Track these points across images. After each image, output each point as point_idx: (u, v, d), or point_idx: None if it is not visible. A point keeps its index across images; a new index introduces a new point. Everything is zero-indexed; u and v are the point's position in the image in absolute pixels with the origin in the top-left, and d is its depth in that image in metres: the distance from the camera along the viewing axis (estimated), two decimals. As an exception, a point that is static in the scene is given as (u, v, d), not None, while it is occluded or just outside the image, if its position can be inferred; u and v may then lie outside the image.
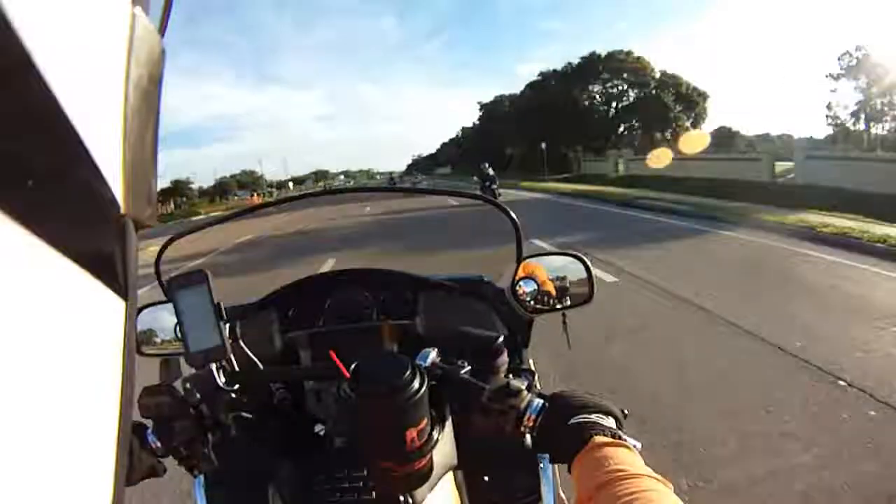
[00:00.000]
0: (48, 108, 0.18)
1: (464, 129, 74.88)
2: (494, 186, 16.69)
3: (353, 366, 0.67)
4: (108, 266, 0.23)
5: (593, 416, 0.64)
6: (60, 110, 0.18)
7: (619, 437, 0.61)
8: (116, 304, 0.24)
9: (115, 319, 0.24)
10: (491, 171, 17.55)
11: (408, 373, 0.66)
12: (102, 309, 0.23)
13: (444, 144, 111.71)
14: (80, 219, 0.21)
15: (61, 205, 0.20)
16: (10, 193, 0.17)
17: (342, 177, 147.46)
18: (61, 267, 0.20)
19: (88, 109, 0.20)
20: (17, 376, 0.18)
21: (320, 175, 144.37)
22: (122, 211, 0.23)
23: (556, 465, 0.98)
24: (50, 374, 0.20)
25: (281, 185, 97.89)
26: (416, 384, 0.66)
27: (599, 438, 0.60)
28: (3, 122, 0.17)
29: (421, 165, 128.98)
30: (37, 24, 0.17)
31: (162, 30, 0.28)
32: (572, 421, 0.64)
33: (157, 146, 0.26)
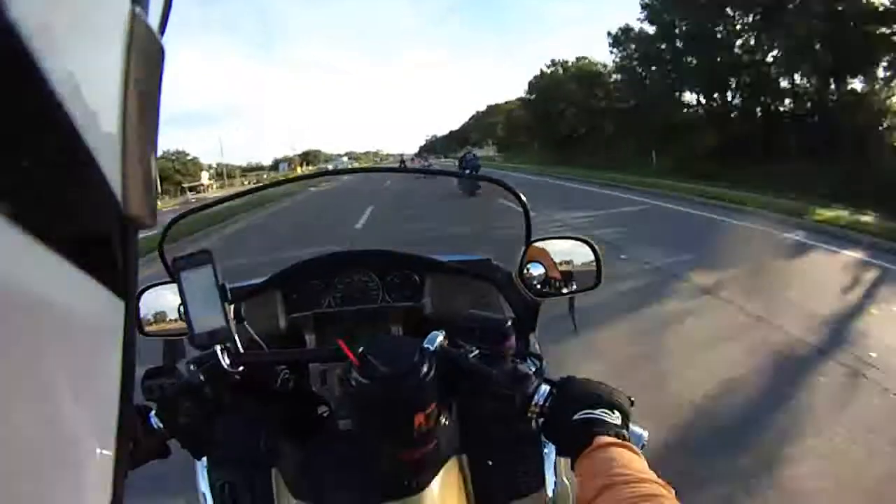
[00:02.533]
0: (48, 108, 0.18)
1: (539, 77, 41.68)
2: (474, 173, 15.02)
3: (360, 349, 0.66)
4: (108, 266, 0.23)
5: (598, 412, 0.63)
6: (60, 110, 0.18)
7: (624, 436, 0.62)
8: (116, 305, 0.24)
9: (115, 320, 0.24)
10: (471, 157, 16.20)
11: (416, 357, 0.65)
12: (102, 310, 0.23)
13: (481, 114, 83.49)
14: (80, 219, 0.21)
15: (61, 205, 0.20)
16: (10, 194, 0.17)
17: (345, 158, 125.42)
18: (61, 267, 0.20)
19: (88, 109, 0.20)
20: (17, 377, 0.18)
21: (311, 156, 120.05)
22: (123, 211, 0.23)
23: None
24: (50, 374, 0.20)
25: (220, 174, 75.19)
26: (424, 369, 0.65)
27: (604, 438, 0.60)
28: (3, 122, 0.17)
29: (438, 146, 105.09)
30: (37, 24, 0.17)
31: (162, 29, 0.28)
32: (577, 416, 0.64)
33: (157, 146, 0.26)
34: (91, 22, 0.21)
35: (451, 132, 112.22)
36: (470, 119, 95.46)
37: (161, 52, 0.25)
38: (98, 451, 0.23)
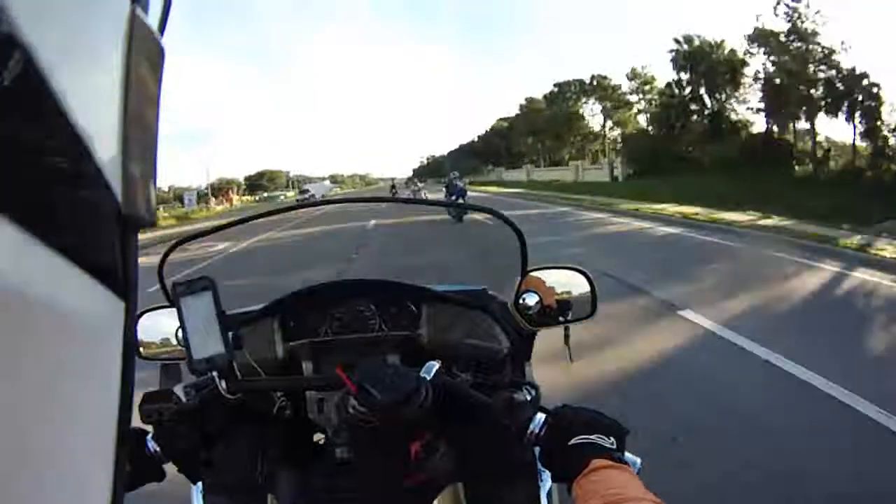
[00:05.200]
0: (48, 108, 0.18)
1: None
2: (461, 201, 12.84)
3: (358, 378, 0.67)
4: (108, 266, 0.23)
5: (594, 437, 0.64)
6: (61, 110, 0.18)
7: (620, 459, 0.62)
8: (116, 305, 0.24)
9: (115, 320, 0.24)
10: (459, 183, 15.12)
11: (413, 386, 0.66)
12: (102, 310, 0.23)
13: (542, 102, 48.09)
14: (80, 219, 0.21)
15: (61, 205, 0.20)
16: (10, 194, 0.17)
17: (327, 182, 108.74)
18: (61, 267, 0.20)
19: (88, 109, 0.20)
20: (16, 377, 0.18)
21: (266, 180, 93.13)
22: (123, 212, 0.23)
23: None
24: (50, 375, 0.20)
25: None
26: (421, 398, 0.66)
27: (599, 461, 0.60)
28: (3, 122, 0.17)
29: (447, 166, 63.91)
30: (37, 24, 0.17)
31: (161, 29, 0.28)
32: (573, 441, 0.64)
33: (157, 146, 0.26)
34: (91, 22, 0.21)
35: (462, 147, 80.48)
36: (503, 121, 59.17)
37: (161, 53, 0.25)
38: (98, 450, 0.23)
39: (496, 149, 60.20)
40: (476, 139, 75.10)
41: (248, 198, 72.44)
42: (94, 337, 0.23)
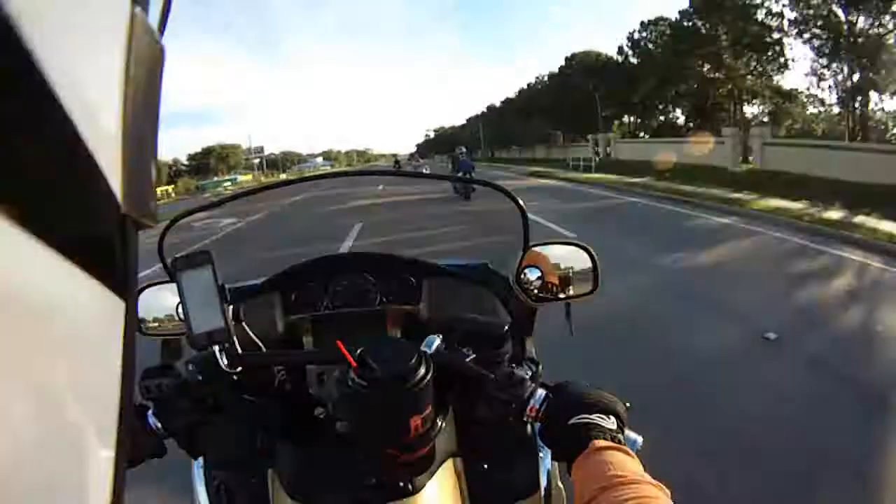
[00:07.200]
0: (48, 108, 0.18)
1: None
2: (469, 176, 11.53)
3: (359, 352, 0.67)
4: (108, 266, 0.23)
5: (594, 417, 0.64)
6: (60, 110, 0.18)
7: (619, 440, 0.62)
8: (116, 304, 0.24)
9: (115, 319, 0.24)
10: (464, 160, 14.40)
11: (414, 360, 0.66)
12: (102, 309, 0.23)
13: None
14: (80, 219, 0.21)
15: (61, 205, 0.20)
16: (10, 193, 0.17)
17: (319, 159, 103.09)
18: (61, 267, 0.20)
19: (88, 109, 0.20)
20: (18, 377, 0.18)
21: (216, 158, 68.14)
22: (123, 211, 0.23)
23: None
24: (50, 374, 0.20)
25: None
26: (422, 372, 0.66)
27: (599, 442, 0.61)
28: (3, 122, 0.17)
29: (452, 143, 34.05)
30: (37, 24, 0.17)
31: (161, 29, 0.28)
32: (573, 421, 0.64)
33: (157, 146, 0.26)
34: (91, 22, 0.21)
35: (491, 109, 60.00)
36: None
37: (161, 52, 0.25)
38: (98, 451, 0.23)
39: (572, 99, 32.57)
40: (517, 94, 47.95)
41: (170, 187, 47.77)
42: (95, 337, 0.23)
